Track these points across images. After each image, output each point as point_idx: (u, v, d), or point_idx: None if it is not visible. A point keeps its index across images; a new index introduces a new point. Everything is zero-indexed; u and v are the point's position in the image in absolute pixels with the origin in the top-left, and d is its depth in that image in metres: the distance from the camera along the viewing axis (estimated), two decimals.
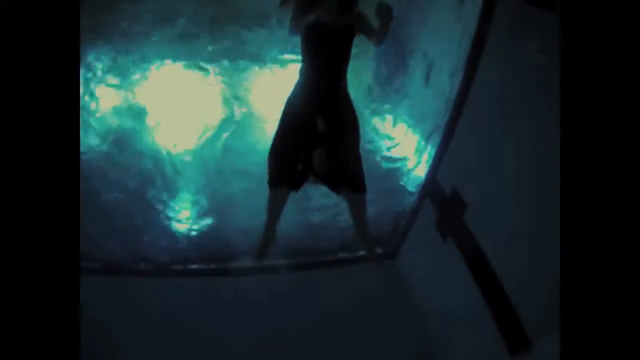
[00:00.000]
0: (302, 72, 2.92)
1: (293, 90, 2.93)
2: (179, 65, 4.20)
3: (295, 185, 2.89)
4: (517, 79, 3.16)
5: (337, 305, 4.57)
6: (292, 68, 4.15)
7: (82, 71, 3.98)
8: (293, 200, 4.77)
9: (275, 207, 2.93)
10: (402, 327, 4.61)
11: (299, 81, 2.93)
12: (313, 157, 2.87)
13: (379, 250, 4.33)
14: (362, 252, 4.98)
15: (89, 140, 4.29)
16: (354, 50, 2.94)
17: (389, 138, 4.67)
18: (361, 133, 3.07)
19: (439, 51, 4.08)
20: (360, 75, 4.30)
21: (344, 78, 2.93)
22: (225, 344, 4.41)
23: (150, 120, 4.42)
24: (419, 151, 4.58)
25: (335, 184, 2.90)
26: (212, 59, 4.18)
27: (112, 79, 4.16)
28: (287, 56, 4.22)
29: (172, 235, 4.87)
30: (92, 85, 4.13)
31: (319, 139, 2.82)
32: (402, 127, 4.63)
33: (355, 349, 4.38)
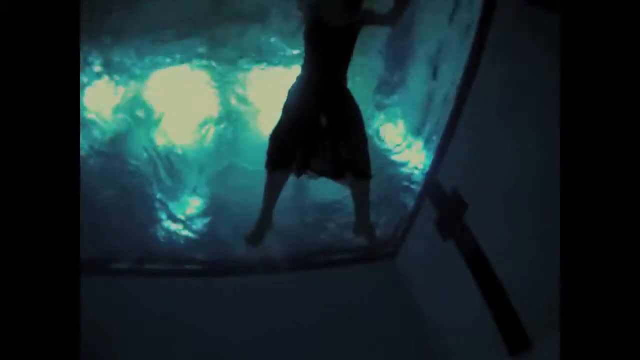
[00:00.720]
0: (304, 67, 2.90)
1: (295, 84, 2.90)
2: (179, 63, 4.20)
3: (294, 169, 2.88)
4: (517, 79, 3.15)
5: (337, 306, 4.57)
6: (292, 66, 4.15)
7: (81, 70, 3.97)
8: (293, 200, 4.80)
9: (272, 192, 2.90)
10: (402, 327, 4.61)
11: (300, 76, 2.90)
12: (313, 153, 2.86)
13: (378, 240, 4.30)
14: (361, 252, 4.98)
15: (88, 139, 4.29)
16: (357, 52, 2.93)
17: (389, 139, 4.67)
18: None
19: (440, 52, 4.08)
20: (362, 77, 4.31)
21: (345, 76, 2.92)
22: (224, 343, 4.41)
23: (149, 119, 4.42)
24: (419, 151, 4.58)
25: (339, 174, 2.89)
26: (212, 57, 4.18)
27: (111, 77, 4.16)
28: (286, 54, 4.22)
29: (172, 234, 4.88)
30: (90, 84, 4.12)
31: (320, 136, 2.81)
32: (402, 127, 4.63)
33: (355, 349, 4.38)
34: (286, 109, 2.85)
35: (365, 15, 2.86)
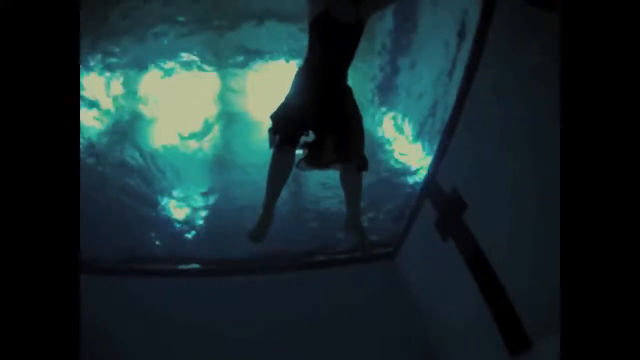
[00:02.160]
0: (306, 62, 2.86)
1: (298, 76, 2.85)
2: (176, 61, 4.20)
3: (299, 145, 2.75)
4: (517, 79, 3.15)
5: (337, 306, 4.57)
6: (289, 66, 4.16)
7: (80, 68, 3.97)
8: (292, 200, 4.80)
9: (277, 174, 2.70)
10: (402, 328, 4.62)
11: (302, 70, 2.86)
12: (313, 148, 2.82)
13: (370, 239, 4.26)
14: (361, 252, 4.98)
15: (85, 138, 4.29)
16: (358, 50, 2.91)
17: (390, 139, 4.68)
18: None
19: (440, 52, 4.08)
20: (362, 77, 4.31)
21: (347, 73, 2.91)
22: (224, 343, 4.41)
23: (147, 117, 4.42)
24: (419, 151, 4.58)
25: (334, 160, 2.82)
26: (210, 56, 4.19)
27: (108, 75, 4.15)
28: (285, 53, 4.22)
29: (171, 233, 4.88)
30: (87, 82, 4.12)
31: (320, 131, 2.79)
32: (402, 127, 4.63)
33: (355, 348, 4.39)
34: (290, 94, 2.79)
35: (373, 3, 2.83)
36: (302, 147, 2.80)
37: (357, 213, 3.08)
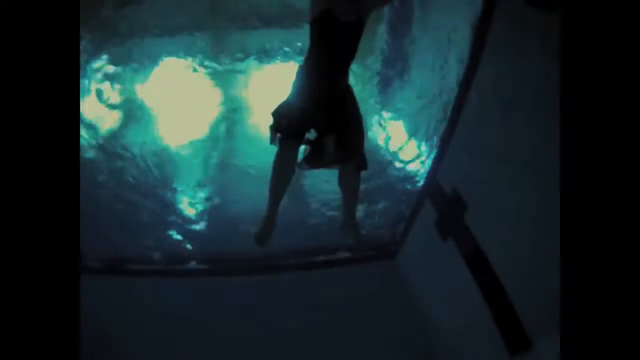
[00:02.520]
0: (307, 61, 2.86)
1: (299, 77, 2.84)
2: (179, 62, 4.20)
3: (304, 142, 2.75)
4: (517, 79, 3.16)
5: (337, 306, 4.57)
6: (290, 66, 4.16)
7: (81, 67, 3.97)
8: (291, 200, 4.80)
9: (281, 172, 2.68)
10: (402, 328, 4.62)
11: (305, 69, 2.85)
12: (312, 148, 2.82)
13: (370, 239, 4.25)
14: (361, 252, 4.99)
15: (84, 137, 4.29)
16: (358, 50, 2.91)
17: (390, 139, 4.68)
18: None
19: (439, 52, 4.08)
20: (362, 77, 4.31)
21: (348, 73, 2.91)
22: (224, 343, 4.41)
23: (147, 118, 4.42)
24: (419, 151, 4.58)
25: (334, 160, 2.82)
26: (211, 56, 4.19)
27: (110, 75, 4.15)
28: (287, 54, 4.23)
29: (170, 233, 4.88)
30: (90, 82, 4.12)
31: (321, 131, 2.79)
32: (402, 127, 4.63)
33: (355, 348, 4.39)
34: (292, 92, 2.79)
35: (372, 0, 2.83)
36: (305, 143, 2.80)
37: (354, 212, 3.08)
